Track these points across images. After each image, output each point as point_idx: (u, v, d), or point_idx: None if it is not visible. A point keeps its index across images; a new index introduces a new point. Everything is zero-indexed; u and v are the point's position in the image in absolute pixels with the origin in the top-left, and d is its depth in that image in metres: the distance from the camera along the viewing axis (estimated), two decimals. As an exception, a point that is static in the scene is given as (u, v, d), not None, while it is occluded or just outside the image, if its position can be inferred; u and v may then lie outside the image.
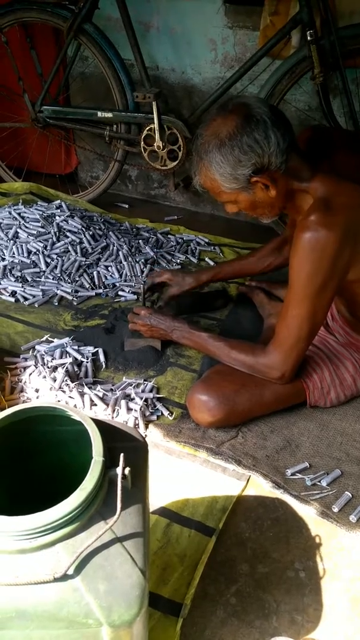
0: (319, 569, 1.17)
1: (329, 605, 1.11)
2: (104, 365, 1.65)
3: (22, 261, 2.07)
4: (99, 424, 0.83)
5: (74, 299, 1.95)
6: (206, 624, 1.07)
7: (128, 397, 1.52)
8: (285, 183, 1.24)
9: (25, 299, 1.93)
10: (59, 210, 2.36)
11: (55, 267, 2.06)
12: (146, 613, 0.77)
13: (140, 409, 1.47)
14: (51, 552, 0.70)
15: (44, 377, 1.55)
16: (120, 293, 1.99)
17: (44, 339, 1.72)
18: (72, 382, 1.54)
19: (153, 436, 1.44)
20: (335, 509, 1.26)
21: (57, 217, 2.29)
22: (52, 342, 1.70)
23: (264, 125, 1.14)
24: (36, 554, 0.70)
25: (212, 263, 2.22)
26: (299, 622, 1.08)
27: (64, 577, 0.69)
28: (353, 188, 1.21)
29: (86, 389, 1.52)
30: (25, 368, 1.61)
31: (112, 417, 1.47)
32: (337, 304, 1.53)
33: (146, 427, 1.47)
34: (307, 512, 1.27)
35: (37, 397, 1.52)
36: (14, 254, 2.09)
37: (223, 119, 1.18)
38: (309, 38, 1.88)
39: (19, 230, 2.20)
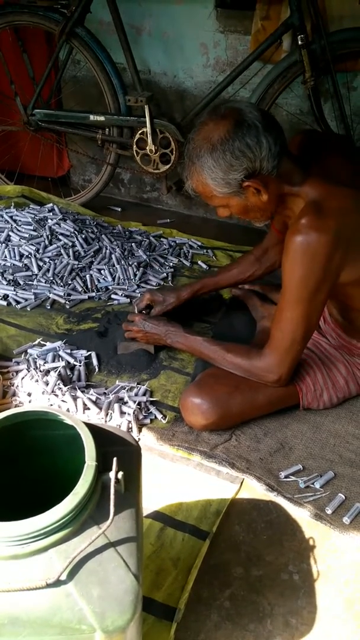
0: (313, 572, 1.17)
1: (323, 608, 1.11)
2: (96, 369, 1.65)
3: (14, 264, 2.06)
4: (92, 428, 0.83)
5: (67, 302, 1.94)
6: (200, 628, 1.07)
7: (121, 401, 1.52)
8: (277, 187, 1.24)
9: (18, 302, 1.92)
10: (51, 214, 2.35)
11: (48, 270, 2.05)
12: (140, 618, 0.77)
13: (134, 413, 1.47)
14: (44, 557, 0.70)
15: (37, 381, 1.54)
16: (113, 296, 1.99)
17: (36, 342, 1.71)
18: (65, 386, 1.53)
19: (146, 440, 1.44)
20: (329, 511, 1.27)
21: (49, 221, 2.28)
22: (45, 345, 1.69)
23: (256, 130, 1.15)
24: (29, 560, 0.70)
25: (204, 266, 2.22)
26: (293, 625, 1.08)
27: (57, 583, 0.68)
28: (344, 192, 1.22)
29: (79, 393, 1.51)
30: (17, 372, 1.60)
31: (105, 421, 1.46)
32: (329, 306, 1.54)
33: (139, 430, 1.46)
34: (301, 515, 1.28)
35: (30, 401, 1.51)
36: (5, 257, 2.09)
37: (215, 124, 1.18)
38: (299, 42, 1.90)
39: (10, 233, 2.19)
